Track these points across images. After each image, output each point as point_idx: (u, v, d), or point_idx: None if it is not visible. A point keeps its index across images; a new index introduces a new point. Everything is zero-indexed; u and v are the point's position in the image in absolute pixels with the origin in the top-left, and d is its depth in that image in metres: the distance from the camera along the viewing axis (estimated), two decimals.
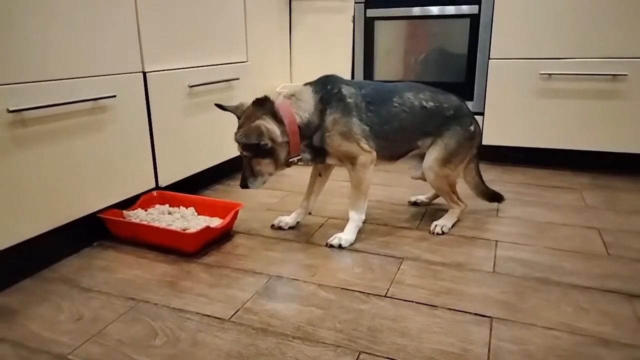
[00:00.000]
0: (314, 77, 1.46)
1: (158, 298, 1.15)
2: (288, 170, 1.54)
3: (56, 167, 1.27)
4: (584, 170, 2.18)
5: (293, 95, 1.38)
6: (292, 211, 1.61)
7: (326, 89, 1.38)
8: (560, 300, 1.12)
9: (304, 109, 1.35)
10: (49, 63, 1.22)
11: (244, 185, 1.38)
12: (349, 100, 1.38)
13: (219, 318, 1.06)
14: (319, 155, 1.42)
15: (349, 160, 1.40)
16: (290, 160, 1.38)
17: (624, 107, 2.02)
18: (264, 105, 1.33)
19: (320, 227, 1.57)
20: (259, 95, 1.34)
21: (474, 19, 2.20)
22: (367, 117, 1.40)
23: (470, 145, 1.52)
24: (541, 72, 2.09)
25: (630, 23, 1.94)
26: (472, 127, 1.51)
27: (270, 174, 1.39)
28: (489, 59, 2.19)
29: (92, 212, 1.41)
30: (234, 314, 1.08)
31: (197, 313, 1.08)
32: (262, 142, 1.29)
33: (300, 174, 2.03)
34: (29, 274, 1.26)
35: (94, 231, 1.45)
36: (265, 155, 1.33)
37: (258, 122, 1.30)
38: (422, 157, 1.52)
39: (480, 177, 1.64)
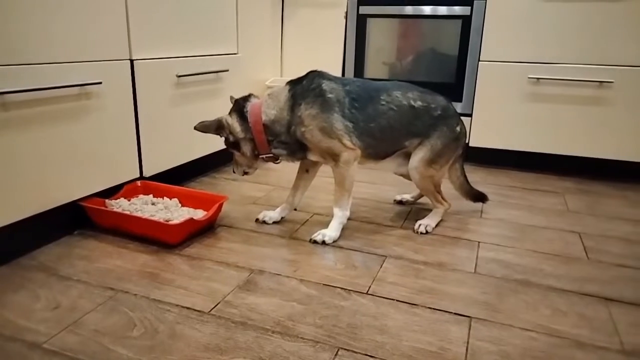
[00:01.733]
0: (304, 72, 1.46)
1: (138, 289, 1.13)
2: (275, 165, 1.53)
3: (38, 152, 1.25)
4: (568, 174, 2.21)
5: (270, 94, 1.44)
6: (277, 206, 1.60)
7: (301, 84, 1.40)
8: (539, 302, 1.13)
9: (272, 106, 1.40)
10: (33, 46, 1.20)
11: (233, 170, 1.55)
12: (330, 95, 1.37)
13: (198, 310, 1.05)
14: (298, 151, 1.42)
15: (331, 156, 1.40)
16: (261, 156, 1.45)
17: (609, 114, 2.05)
18: (238, 103, 1.44)
19: (305, 222, 1.57)
20: (248, 89, 1.40)
21: (466, 20, 2.21)
22: (351, 113, 1.39)
23: (456, 146, 1.52)
24: (530, 76, 2.11)
25: (618, 31, 1.96)
26: (458, 128, 1.51)
27: (248, 167, 1.50)
28: (479, 60, 2.20)
29: (74, 199, 1.38)
30: (214, 306, 1.07)
31: (177, 305, 1.07)
32: (221, 135, 1.44)
33: (287, 169, 2.03)
34: (6, 260, 1.24)
35: (75, 219, 1.43)
36: (234, 147, 1.46)
37: (222, 116, 1.43)
38: (407, 154, 1.52)
39: (465, 177, 1.65)
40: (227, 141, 1.46)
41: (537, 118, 2.15)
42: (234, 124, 1.42)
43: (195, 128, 1.43)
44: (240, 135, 1.42)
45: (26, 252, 1.29)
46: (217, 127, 1.43)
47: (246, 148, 1.44)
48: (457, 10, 2.22)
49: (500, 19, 2.12)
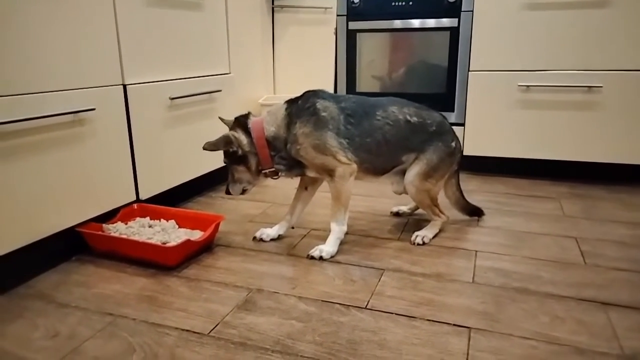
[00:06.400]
0: (297, 89, 1.49)
1: (136, 313, 1.13)
2: (272, 182, 1.54)
3: (34, 180, 1.26)
4: (563, 179, 2.22)
5: (269, 111, 1.47)
6: (274, 223, 1.61)
7: (296, 104, 1.43)
8: (537, 310, 1.13)
9: (272, 123, 1.44)
10: (25, 76, 1.21)
11: (227, 191, 1.52)
12: (323, 114, 1.40)
13: (197, 333, 1.05)
14: (296, 167, 1.45)
15: (327, 172, 1.41)
16: (264, 171, 1.47)
17: (599, 118, 2.07)
18: (239, 120, 1.47)
19: (302, 238, 1.57)
20: (242, 108, 1.41)
21: (454, 32, 2.24)
22: (347, 129, 1.41)
23: (451, 161, 1.54)
24: (519, 84, 2.13)
25: (604, 37, 1.99)
26: (453, 144, 1.53)
27: (249, 182, 1.50)
28: (468, 70, 2.22)
29: (70, 226, 1.39)
30: (213, 328, 1.07)
31: (176, 328, 1.07)
32: (231, 149, 1.43)
33: (284, 186, 2.03)
34: (3, 290, 1.24)
35: (72, 245, 1.43)
36: (239, 162, 1.45)
37: (228, 132, 1.45)
38: (403, 172, 1.53)
39: (461, 192, 1.66)
40: (233, 156, 1.44)
41: (529, 125, 2.17)
42: (241, 137, 1.43)
43: (204, 148, 1.41)
44: (247, 148, 1.43)
45: (24, 280, 1.29)
46: (225, 142, 1.43)
47: (253, 162, 1.45)
48: (445, 22, 2.25)
49: (487, 29, 2.15)
